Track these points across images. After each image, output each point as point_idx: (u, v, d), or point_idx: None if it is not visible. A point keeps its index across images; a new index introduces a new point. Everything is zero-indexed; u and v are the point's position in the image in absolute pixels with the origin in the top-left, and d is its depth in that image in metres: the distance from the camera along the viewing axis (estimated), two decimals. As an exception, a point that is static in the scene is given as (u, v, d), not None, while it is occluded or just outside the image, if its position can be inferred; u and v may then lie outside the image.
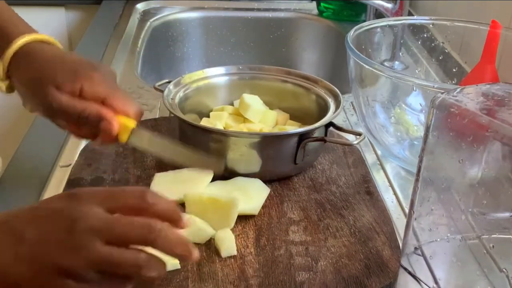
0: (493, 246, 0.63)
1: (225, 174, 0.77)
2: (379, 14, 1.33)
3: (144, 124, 0.91)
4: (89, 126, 0.67)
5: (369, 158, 0.90)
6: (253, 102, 0.85)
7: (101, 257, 0.47)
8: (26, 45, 0.69)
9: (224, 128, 0.83)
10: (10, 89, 0.71)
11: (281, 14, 1.56)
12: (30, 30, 0.71)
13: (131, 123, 0.67)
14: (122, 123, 0.67)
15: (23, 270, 0.48)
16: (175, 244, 0.49)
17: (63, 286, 0.48)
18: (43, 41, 0.71)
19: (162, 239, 0.49)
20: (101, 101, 0.67)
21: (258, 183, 0.76)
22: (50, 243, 0.48)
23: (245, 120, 0.85)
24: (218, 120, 0.83)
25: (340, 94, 0.84)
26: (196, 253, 0.50)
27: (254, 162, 0.77)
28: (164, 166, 0.81)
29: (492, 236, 0.64)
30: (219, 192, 0.73)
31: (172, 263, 0.61)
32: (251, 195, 0.73)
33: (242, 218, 0.71)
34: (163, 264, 0.49)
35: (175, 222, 0.51)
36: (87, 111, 0.66)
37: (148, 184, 0.77)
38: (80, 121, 0.67)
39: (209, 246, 0.66)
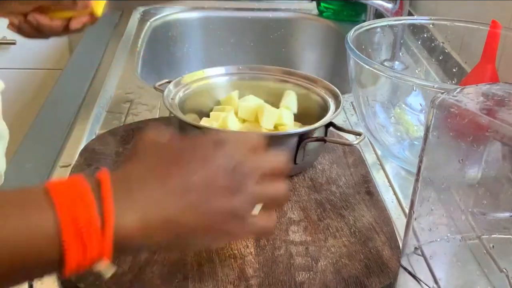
0: (493, 246, 0.63)
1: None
2: (379, 14, 1.33)
3: (144, 124, 0.91)
4: (64, 8, 0.77)
5: (369, 158, 0.90)
6: (245, 101, 0.86)
7: (259, 194, 0.51)
8: None
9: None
10: None
11: (281, 14, 1.56)
12: None
13: (98, 9, 0.79)
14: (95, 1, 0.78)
15: (193, 218, 0.48)
16: None
17: (236, 224, 0.50)
18: None
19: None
20: None
21: None
22: (216, 191, 0.49)
23: (245, 120, 0.85)
24: (218, 120, 0.83)
25: (340, 94, 0.84)
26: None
27: (254, 162, 0.77)
28: (164, 166, 0.81)
29: (492, 236, 0.64)
30: None
31: None
32: None
33: (242, 218, 0.71)
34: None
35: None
36: None
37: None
38: (59, 3, 0.76)
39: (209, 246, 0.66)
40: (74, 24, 0.79)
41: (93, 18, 0.81)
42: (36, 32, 0.81)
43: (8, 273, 0.43)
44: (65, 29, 0.81)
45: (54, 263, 0.43)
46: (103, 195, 0.45)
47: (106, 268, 0.44)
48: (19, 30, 0.81)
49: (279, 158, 0.55)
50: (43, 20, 0.79)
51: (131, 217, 0.45)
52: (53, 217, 0.42)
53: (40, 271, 0.45)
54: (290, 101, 0.87)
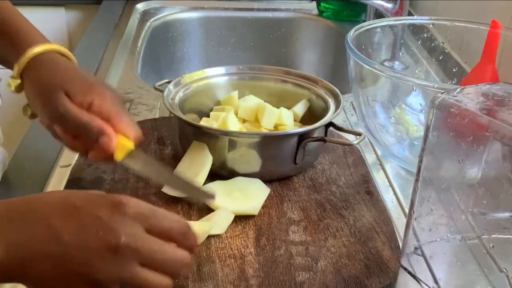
0: (493, 246, 0.63)
1: (225, 174, 0.77)
2: (379, 14, 1.33)
3: (144, 124, 0.91)
4: (86, 139, 0.67)
5: (369, 158, 0.90)
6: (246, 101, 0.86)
7: (134, 278, 0.49)
8: (44, 53, 0.70)
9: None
10: (19, 88, 0.72)
11: (281, 14, 1.56)
12: (46, 41, 0.73)
13: (130, 144, 0.67)
14: (121, 142, 0.67)
15: (47, 270, 0.49)
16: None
17: None
18: (60, 52, 0.72)
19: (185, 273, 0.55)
20: (106, 119, 0.67)
21: (258, 183, 0.76)
22: (87, 252, 0.49)
23: (245, 120, 0.85)
24: (218, 120, 0.83)
25: (340, 94, 0.84)
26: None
27: (254, 162, 0.77)
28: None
29: (492, 236, 0.64)
30: (219, 192, 0.73)
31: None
32: (251, 195, 0.73)
33: (242, 218, 0.71)
34: None
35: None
36: (92, 124, 0.66)
37: (147, 184, 0.76)
38: (80, 132, 0.67)
39: (209, 246, 0.66)
40: (91, 156, 0.69)
41: (111, 158, 0.68)
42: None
43: None
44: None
45: None
46: None
47: None
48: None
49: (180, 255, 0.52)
50: None
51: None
52: None
53: None
54: (300, 108, 0.87)
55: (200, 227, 0.67)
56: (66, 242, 0.48)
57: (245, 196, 0.73)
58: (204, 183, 0.75)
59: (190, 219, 0.70)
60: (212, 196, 0.68)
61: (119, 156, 0.67)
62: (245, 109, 0.85)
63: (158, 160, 0.82)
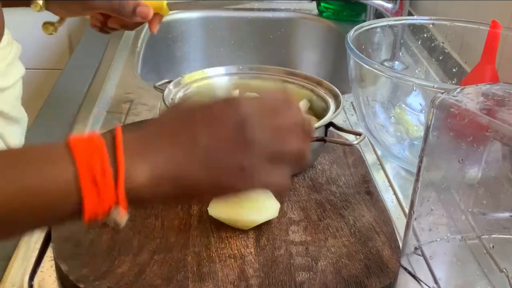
0: (493, 246, 0.63)
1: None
2: (379, 14, 1.33)
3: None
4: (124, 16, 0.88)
5: (369, 158, 0.90)
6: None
7: (271, 151, 0.51)
8: None
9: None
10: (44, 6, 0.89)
11: (281, 14, 1.56)
12: None
13: (165, 11, 0.92)
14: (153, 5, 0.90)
15: (200, 172, 0.50)
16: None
17: (243, 179, 0.51)
18: None
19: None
20: None
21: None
22: (224, 147, 0.50)
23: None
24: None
25: (340, 94, 0.84)
26: None
27: (254, 162, 0.77)
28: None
29: (492, 236, 0.64)
30: (226, 209, 0.70)
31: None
32: (261, 200, 0.71)
33: (242, 218, 0.71)
34: None
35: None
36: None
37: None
38: (118, 9, 0.88)
39: (209, 246, 0.66)
40: (109, 22, 0.93)
41: (125, 24, 0.94)
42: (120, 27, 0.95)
43: (30, 219, 0.47)
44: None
45: (74, 211, 0.46)
46: (116, 149, 0.48)
47: (120, 217, 0.47)
48: (101, 30, 0.95)
49: (299, 115, 0.54)
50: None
51: (141, 169, 0.48)
52: (72, 167, 0.46)
53: (60, 219, 0.49)
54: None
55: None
56: (204, 146, 0.50)
57: (256, 203, 0.71)
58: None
59: (190, 223, 0.70)
60: None
61: (166, 11, 0.92)
62: None
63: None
